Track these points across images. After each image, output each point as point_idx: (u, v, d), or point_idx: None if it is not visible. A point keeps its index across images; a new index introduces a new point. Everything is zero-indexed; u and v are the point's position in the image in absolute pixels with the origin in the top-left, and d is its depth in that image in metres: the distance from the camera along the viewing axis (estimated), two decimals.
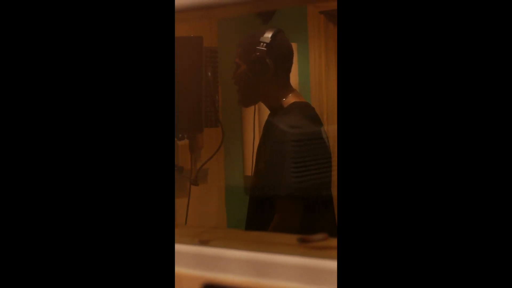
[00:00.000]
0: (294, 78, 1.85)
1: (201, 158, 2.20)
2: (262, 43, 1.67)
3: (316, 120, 1.78)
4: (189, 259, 0.99)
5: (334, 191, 1.78)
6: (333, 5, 2.68)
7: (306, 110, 1.77)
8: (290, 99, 1.75)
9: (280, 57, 1.73)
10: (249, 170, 2.61)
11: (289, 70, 1.80)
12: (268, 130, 1.79)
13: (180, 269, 0.98)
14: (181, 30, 1.66)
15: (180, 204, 1.78)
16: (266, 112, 1.82)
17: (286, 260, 0.91)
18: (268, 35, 1.69)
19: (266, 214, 1.73)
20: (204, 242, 1.02)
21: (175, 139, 1.81)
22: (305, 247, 0.98)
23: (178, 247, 1.00)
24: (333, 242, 0.90)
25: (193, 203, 1.83)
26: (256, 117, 1.92)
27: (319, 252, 0.96)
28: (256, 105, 1.91)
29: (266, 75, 1.68)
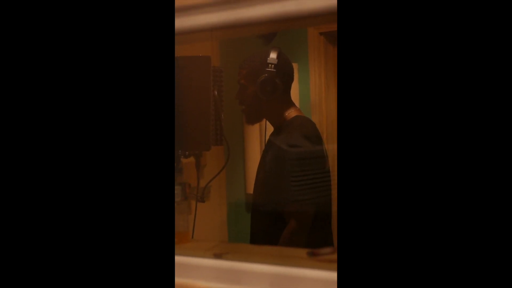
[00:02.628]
0: (295, 98, 1.91)
1: (204, 175, 2.23)
2: (270, 65, 1.74)
3: (316, 136, 1.84)
4: (203, 272, 1.03)
5: (334, 207, 1.83)
6: (333, 27, 2.70)
7: (307, 125, 1.84)
8: (292, 113, 1.82)
9: (284, 75, 1.80)
10: (251, 188, 2.64)
11: (290, 87, 1.88)
12: (269, 148, 1.84)
13: (191, 281, 1.01)
14: (184, 51, 1.71)
15: (187, 220, 1.81)
16: (271, 130, 1.88)
17: (298, 273, 0.96)
18: (274, 55, 1.76)
19: (268, 228, 1.79)
20: (218, 256, 1.06)
21: (181, 157, 1.84)
22: (315, 260, 1.02)
23: (192, 260, 1.04)
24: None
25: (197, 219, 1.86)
26: (263, 136, 1.97)
27: (329, 265, 1.00)
28: (263, 124, 1.96)
29: (276, 94, 1.74)
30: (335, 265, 0.97)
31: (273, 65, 1.75)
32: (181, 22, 1.13)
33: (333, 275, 0.93)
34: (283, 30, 2.29)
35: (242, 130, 2.71)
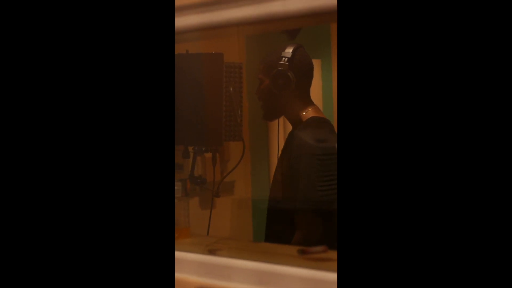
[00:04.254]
0: (318, 94, 1.89)
1: (227, 170, 2.24)
2: (284, 58, 1.73)
3: (330, 138, 1.81)
4: (195, 267, 1.04)
5: None
6: None
7: (324, 126, 1.81)
8: (309, 113, 1.80)
9: (301, 71, 1.78)
10: None
11: (309, 85, 1.85)
12: (291, 143, 1.83)
13: (183, 276, 1.02)
14: (210, 46, 1.72)
15: (204, 215, 1.83)
16: (290, 125, 1.87)
17: (287, 271, 0.96)
18: (289, 50, 1.75)
19: (285, 225, 1.78)
20: (212, 252, 1.07)
21: (199, 153, 1.86)
22: (305, 258, 1.01)
23: (187, 256, 1.05)
24: (333, 254, 0.94)
25: (219, 215, 1.87)
26: (280, 131, 1.96)
27: (319, 263, 1.00)
28: (281, 119, 1.95)
29: (289, 88, 1.73)
30: (326, 264, 0.96)
31: (286, 59, 1.74)
32: (208, 17, 1.14)
33: (322, 274, 0.93)
34: (308, 26, 2.28)
35: (267, 125, 2.70)
